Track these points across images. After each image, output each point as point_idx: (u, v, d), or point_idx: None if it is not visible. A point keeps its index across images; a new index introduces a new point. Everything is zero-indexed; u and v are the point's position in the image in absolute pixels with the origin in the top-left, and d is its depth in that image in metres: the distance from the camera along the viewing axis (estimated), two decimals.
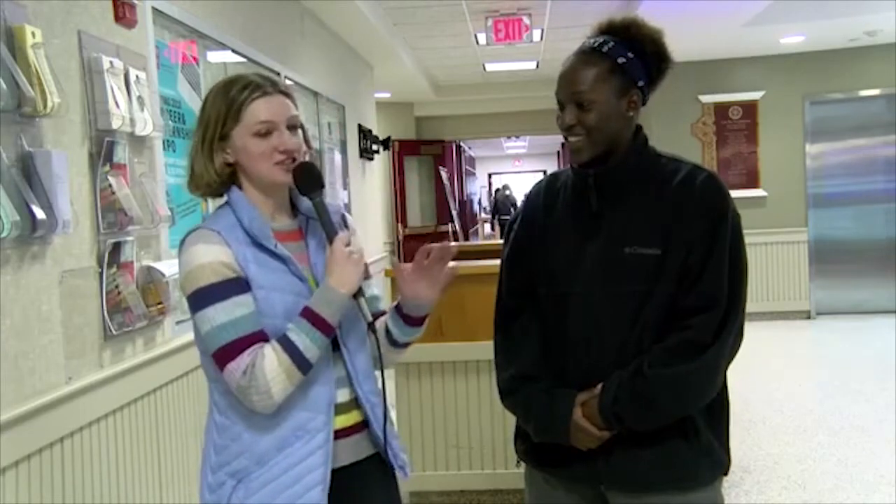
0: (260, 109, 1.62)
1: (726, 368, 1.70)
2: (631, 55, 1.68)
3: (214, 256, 1.57)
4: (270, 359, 1.54)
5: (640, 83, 1.71)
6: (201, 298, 1.56)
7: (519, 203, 1.92)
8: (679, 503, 1.69)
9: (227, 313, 1.55)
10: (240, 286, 1.57)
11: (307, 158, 1.70)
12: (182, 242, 1.63)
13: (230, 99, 1.63)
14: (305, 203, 1.73)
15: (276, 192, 1.70)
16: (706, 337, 1.63)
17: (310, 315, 1.58)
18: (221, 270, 1.56)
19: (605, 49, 1.69)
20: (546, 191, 1.86)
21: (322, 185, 1.69)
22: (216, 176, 1.65)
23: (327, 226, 1.66)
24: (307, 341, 1.56)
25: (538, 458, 1.82)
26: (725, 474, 1.76)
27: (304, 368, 1.56)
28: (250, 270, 1.59)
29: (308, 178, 1.66)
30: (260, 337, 1.56)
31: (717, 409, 1.73)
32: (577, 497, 1.79)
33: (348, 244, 1.62)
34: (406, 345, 1.82)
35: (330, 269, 1.61)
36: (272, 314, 1.59)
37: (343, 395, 1.69)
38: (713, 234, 1.65)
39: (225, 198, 1.70)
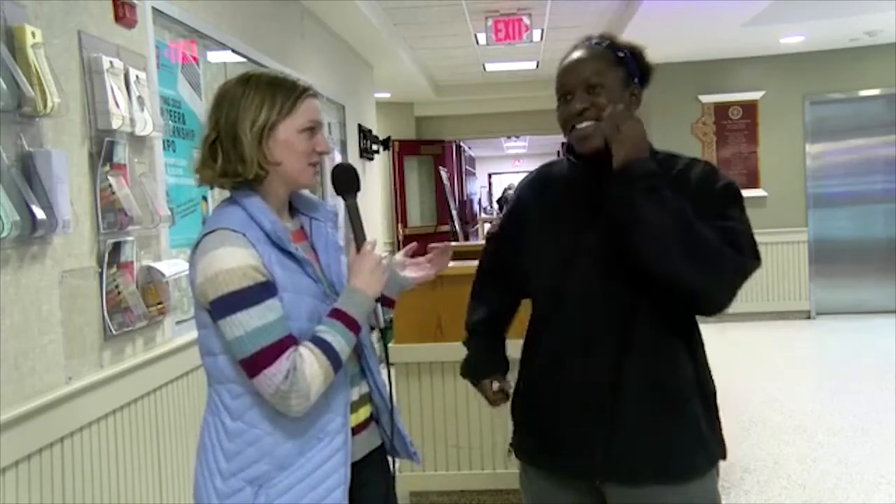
0: (310, 108, 1.65)
1: (724, 295, 1.64)
2: (627, 52, 1.75)
3: (243, 260, 1.54)
4: (310, 361, 1.54)
5: (636, 80, 1.76)
6: (231, 303, 1.52)
7: None
8: (676, 494, 1.69)
9: (261, 318, 1.52)
10: (269, 290, 1.55)
11: None
12: (199, 244, 1.60)
13: (284, 94, 1.62)
14: (320, 207, 1.77)
15: (290, 191, 1.72)
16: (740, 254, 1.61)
17: (341, 316, 1.60)
18: (252, 274, 1.54)
19: (605, 45, 1.75)
20: (539, 181, 1.89)
21: (359, 188, 1.74)
22: (266, 165, 1.63)
23: (358, 230, 1.71)
24: (342, 341, 1.58)
25: (533, 455, 1.84)
26: (724, 458, 1.77)
27: (337, 368, 1.59)
28: (276, 273, 1.58)
29: (347, 180, 1.73)
30: (292, 341, 1.56)
31: (710, 397, 1.75)
32: (573, 492, 1.79)
33: (374, 248, 1.68)
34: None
35: (357, 271, 1.65)
36: (297, 317, 1.59)
37: (355, 393, 1.72)
38: (727, 201, 1.66)
39: (228, 194, 1.69)
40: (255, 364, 1.53)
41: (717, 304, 1.63)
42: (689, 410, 1.68)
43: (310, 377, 1.53)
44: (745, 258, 1.62)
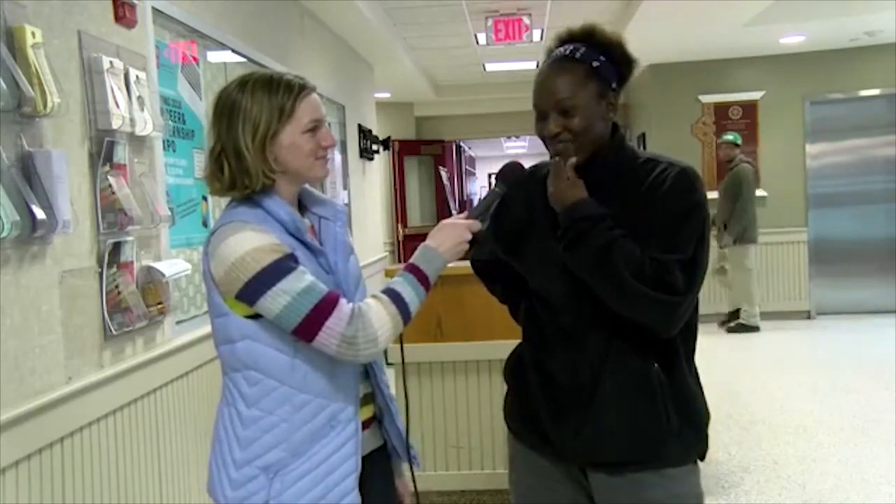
0: (310, 107, 1.66)
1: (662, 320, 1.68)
2: (603, 58, 1.71)
3: (267, 239, 1.57)
4: (377, 308, 1.58)
5: (614, 85, 1.73)
6: (269, 277, 1.54)
7: None
8: (652, 484, 1.71)
9: (301, 280, 1.55)
10: (297, 260, 1.59)
11: None
12: (214, 234, 1.62)
13: (281, 98, 1.63)
14: (329, 206, 1.78)
15: (300, 188, 1.73)
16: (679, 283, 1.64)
17: (414, 270, 1.65)
18: (279, 248, 1.57)
19: (577, 55, 1.70)
20: (525, 182, 1.87)
21: (510, 185, 1.81)
22: (271, 174, 1.64)
23: (480, 206, 1.77)
24: (411, 293, 1.62)
25: (521, 435, 1.88)
26: (702, 459, 1.79)
27: (405, 319, 1.61)
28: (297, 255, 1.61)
29: (511, 175, 1.81)
30: (337, 293, 1.58)
31: (690, 403, 1.75)
32: (563, 472, 1.82)
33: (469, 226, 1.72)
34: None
35: (437, 232, 1.70)
36: None
37: (362, 389, 1.73)
38: (681, 222, 1.66)
39: (231, 196, 1.69)
40: (313, 321, 1.54)
41: (656, 332, 1.67)
42: (658, 403, 1.69)
43: (377, 322, 1.56)
44: (668, 298, 1.62)
